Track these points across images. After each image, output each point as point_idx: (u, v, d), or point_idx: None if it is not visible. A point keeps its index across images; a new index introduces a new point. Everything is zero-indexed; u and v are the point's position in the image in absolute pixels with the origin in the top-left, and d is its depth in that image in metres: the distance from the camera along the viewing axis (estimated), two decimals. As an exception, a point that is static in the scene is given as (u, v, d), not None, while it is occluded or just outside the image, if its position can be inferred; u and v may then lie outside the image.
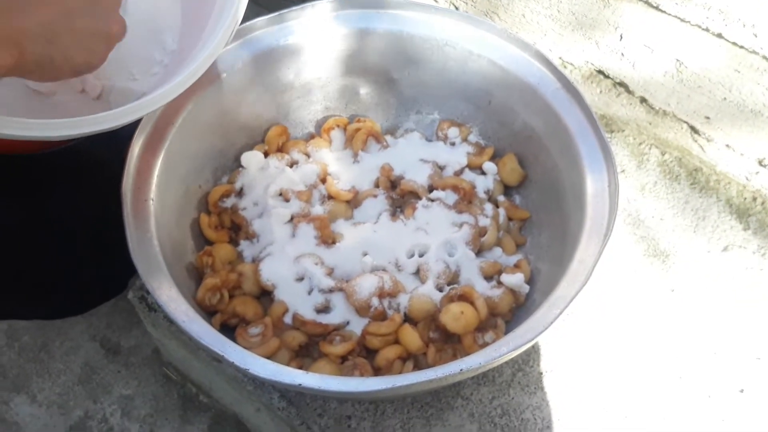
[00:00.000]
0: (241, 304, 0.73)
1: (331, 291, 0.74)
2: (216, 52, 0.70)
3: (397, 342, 0.71)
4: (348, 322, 0.73)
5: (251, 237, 0.79)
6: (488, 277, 0.76)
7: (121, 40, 0.61)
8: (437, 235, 0.77)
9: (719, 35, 0.78)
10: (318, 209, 0.80)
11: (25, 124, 0.59)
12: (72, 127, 0.63)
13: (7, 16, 0.51)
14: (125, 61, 0.77)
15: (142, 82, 0.75)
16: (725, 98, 0.82)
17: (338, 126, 0.86)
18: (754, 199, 0.87)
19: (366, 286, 0.72)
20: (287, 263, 0.75)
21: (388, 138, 0.86)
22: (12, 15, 0.51)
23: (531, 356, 0.78)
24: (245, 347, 0.63)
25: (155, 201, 0.70)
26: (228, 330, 0.72)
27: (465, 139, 0.85)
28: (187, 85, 0.68)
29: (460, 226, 0.78)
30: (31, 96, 0.71)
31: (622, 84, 0.91)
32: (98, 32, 0.57)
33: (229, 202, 0.80)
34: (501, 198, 0.83)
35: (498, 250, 0.79)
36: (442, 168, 0.84)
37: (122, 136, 0.71)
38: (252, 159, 0.82)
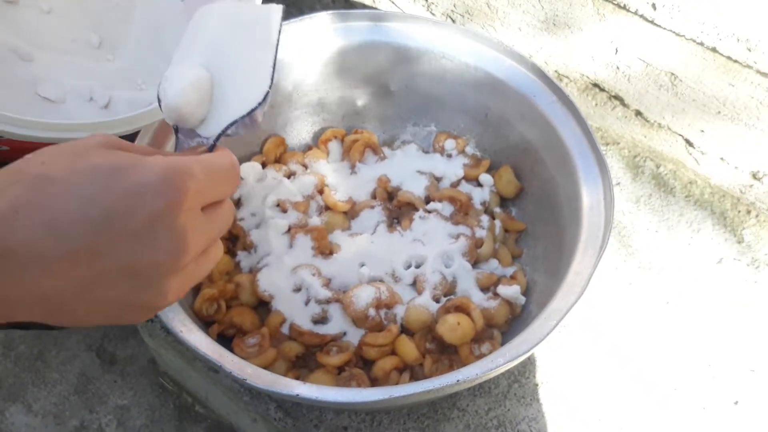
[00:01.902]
0: (238, 314, 0.73)
1: (328, 302, 0.74)
2: None
3: (393, 353, 0.71)
4: (345, 333, 0.73)
5: (249, 247, 0.79)
6: (484, 289, 0.76)
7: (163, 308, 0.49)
8: (434, 246, 0.77)
9: (713, 49, 0.78)
10: (315, 220, 0.80)
11: (27, 123, 0.59)
12: (76, 131, 0.63)
13: None
14: (132, 70, 0.77)
15: (149, 92, 0.75)
16: (719, 112, 0.83)
17: (336, 137, 0.87)
18: (748, 212, 0.88)
19: (363, 296, 0.72)
20: (284, 274, 0.75)
21: (386, 150, 0.87)
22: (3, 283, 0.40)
23: (527, 368, 0.78)
24: (242, 357, 0.63)
25: (154, 211, 0.70)
26: (225, 340, 0.72)
27: (462, 151, 0.86)
28: None
29: (457, 237, 0.78)
30: (41, 103, 0.72)
31: (617, 97, 0.92)
32: (127, 304, 0.45)
33: (226, 213, 0.81)
34: (497, 210, 0.83)
35: (494, 262, 0.80)
36: (438, 180, 0.84)
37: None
38: (250, 170, 0.82)
